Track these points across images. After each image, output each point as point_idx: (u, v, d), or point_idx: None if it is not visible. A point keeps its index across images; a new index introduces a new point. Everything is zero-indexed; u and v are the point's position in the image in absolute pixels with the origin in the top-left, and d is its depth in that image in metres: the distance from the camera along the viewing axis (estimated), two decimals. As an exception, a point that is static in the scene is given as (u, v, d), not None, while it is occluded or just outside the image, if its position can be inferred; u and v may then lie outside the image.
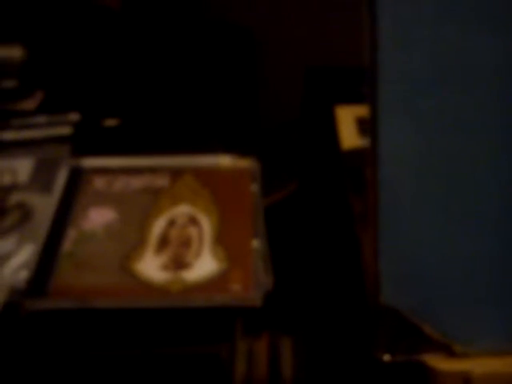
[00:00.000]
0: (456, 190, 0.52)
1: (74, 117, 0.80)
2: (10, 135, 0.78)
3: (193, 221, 0.66)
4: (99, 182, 0.70)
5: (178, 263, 0.62)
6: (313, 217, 0.77)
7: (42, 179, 0.72)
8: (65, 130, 0.79)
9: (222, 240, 0.64)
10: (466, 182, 0.52)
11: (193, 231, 0.65)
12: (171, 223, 0.66)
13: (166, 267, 0.61)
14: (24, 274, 0.61)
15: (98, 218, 0.66)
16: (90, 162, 0.73)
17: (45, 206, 0.68)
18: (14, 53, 0.84)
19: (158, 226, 0.65)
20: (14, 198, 0.70)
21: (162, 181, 0.70)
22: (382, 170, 0.52)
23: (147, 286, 0.60)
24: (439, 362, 0.52)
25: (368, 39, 0.50)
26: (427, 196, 0.52)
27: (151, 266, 0.61)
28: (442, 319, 0.53)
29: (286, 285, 0.63)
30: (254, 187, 0.69)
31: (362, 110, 0.75)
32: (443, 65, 0.50)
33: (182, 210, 0.67)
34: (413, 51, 0.50)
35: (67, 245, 0.64)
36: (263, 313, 0.59)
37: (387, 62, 0.50)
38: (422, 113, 0.51)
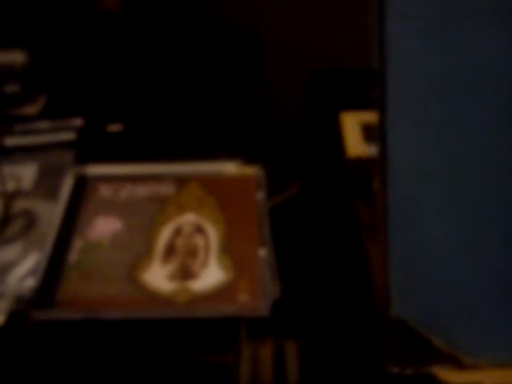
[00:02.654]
0: (467, 199, 0.51)
1: (78, 122, 0.80)
2: (13, 141, 0.78)
3: (199, 229, 0.66)
4: (105, 191, 0.70)
5: (185, 273, 0.62)
6: (316, 223, 0.76)
7: (46, 186, 0.72)
8: (68, 136, 0.79)
9: (228, 249, 0.64)
10: (477, 191, 0.51)
11: (199, 240, 0.65)
12: (177, 232, 0.66)
13: (172, 277, 0.61)
14: (29, 283, 0.61)
15: (104, 227, 0.66)
16: (96, 170, 0.72)
17: (49, 213, 0.68)
18: (17, 58, 0.83)
19: (165, 235, 0.65)
20: (19, 204, 0.70)
21: (167, 189, 0.70)
22: (391, 179, 0.51)
23: (154, 296, 0.60)
24: (449, 375, 0.52)
25: (377, 44, 0.50)
26: (437, 206, 0.52)
27: (158, 276, 0.61)
28: (451, 331, 0.53)
29: (292, 291, 0.62)
30: (260, 195, 0.69)
31: (367, 117, 0.74)
32: (453, 71, 0.50)
33: (188, 218, 0.67)
34: (423, 57, 0.49)
35: (73, 254, 0.63)
36: (268, 319, 0.59)
37: (397, 69, 0.50)
38: (432, 120, 0.50)
